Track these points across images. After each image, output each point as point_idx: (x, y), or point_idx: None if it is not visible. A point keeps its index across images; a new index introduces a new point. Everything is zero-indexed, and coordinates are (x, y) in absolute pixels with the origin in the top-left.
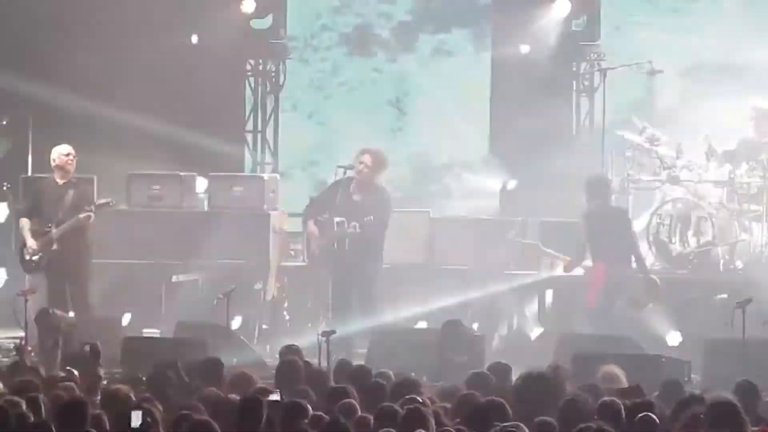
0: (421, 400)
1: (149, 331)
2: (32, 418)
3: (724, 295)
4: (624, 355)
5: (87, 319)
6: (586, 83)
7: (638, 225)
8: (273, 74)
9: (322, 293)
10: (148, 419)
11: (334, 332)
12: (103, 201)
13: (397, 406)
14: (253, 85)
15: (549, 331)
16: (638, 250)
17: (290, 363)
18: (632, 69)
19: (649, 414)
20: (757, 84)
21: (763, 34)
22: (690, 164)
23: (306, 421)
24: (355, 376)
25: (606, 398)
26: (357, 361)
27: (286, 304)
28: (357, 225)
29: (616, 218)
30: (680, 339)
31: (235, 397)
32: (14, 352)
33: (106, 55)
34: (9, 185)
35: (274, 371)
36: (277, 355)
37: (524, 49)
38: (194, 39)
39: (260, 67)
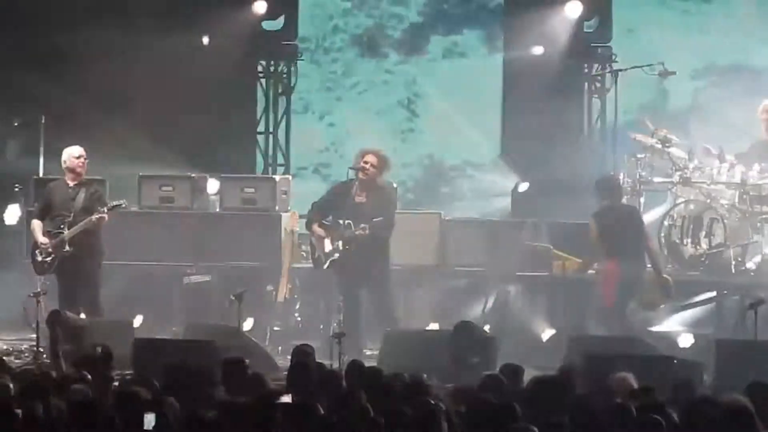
0: (432, 402)
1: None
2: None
3: (736, 297)
4: (635, 356)
5: (98, 320)
6: (598, 85)
7: (650, 226)
8: (284, 76)
9: (334, 295)
10: (162, 421)
11: (345, 334)
12: (115, 203)
13: (408, 408)
14: (264, 86)
15: (560, 333)
16: (651, 249)
17: (302, 365)
18: (644, 70)
19: (659, 416)
20: None
21: None
22: (702, 166)
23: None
24: (367, 378)
25: (617, 400)
26: (368, 363)
27: (297, 306)
28: (366, 227)
29: (627, 217)
30: (692, 340)
31: (247, 398)
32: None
33: (118, 56)
34: (20, 186)
35: (285, 373)
36: (289, 356)
37: (537, 50)
38: (205, 40)
39: (272, 69)
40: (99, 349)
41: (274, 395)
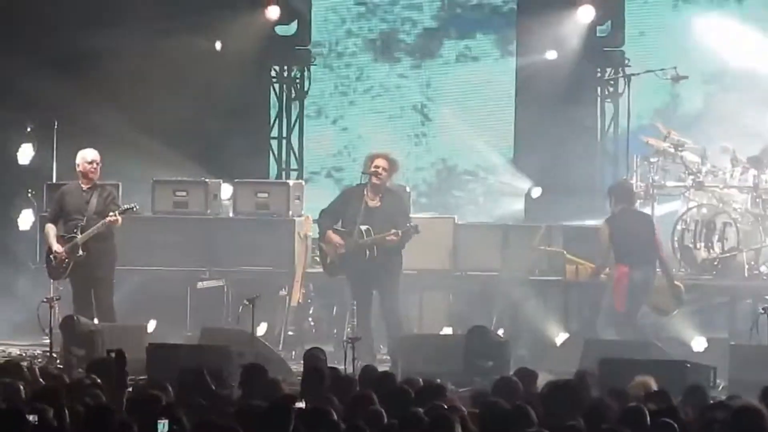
0: (446, 406)
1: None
2: (56, 425)
3: (749, 301)
4: (649, 360)
5: (112, 325)
6: (611, 89)
7: (663, 231)
8: (298, 80)
9: (347, 299)
10: (176, 427)
11: (359, 338)
12: (127, 206)
13: (422, 413)
14: (277, 91)
15: (574, 337)
16: (663, 255)
17: (316, 369)
18: (657, 75)
19: (672, 420)
20: None
21: None
22: (715, 170)
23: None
24: (381, 383)
25: (631, 404)
26: (382, 367)
27: (311, 311)
28: (399, 232)
29: (639, 223)
30: (705, 344)
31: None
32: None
33: (131, 61)
34: (33, 192)
35: (299, 377)
36: (302, 361)
37: (550, 54)
38: (218, 45)
39: (285, 74)
40: (113, 354)
41: (288, 400)
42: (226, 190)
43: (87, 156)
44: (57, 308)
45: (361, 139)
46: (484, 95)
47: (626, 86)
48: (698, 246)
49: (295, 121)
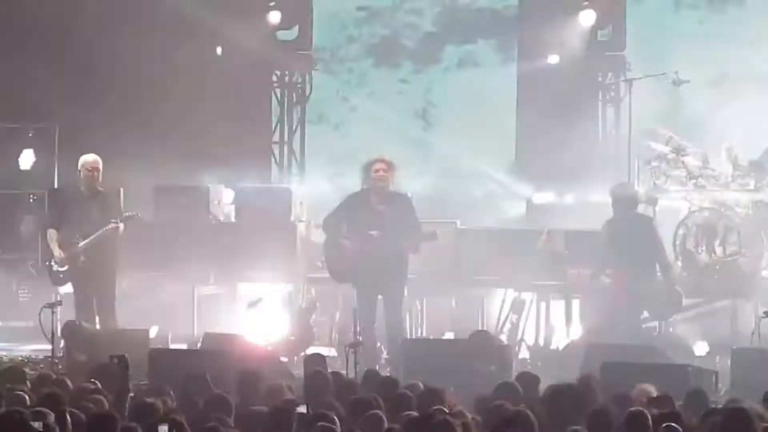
0: (448, 411)
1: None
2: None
3: (750, 305)
4: (651, 364)
5: (114, 331)
6: (612, 93)
7: (664, 235)
8: (299, 85)
9: (349, 304)
10: None
11: (360, 343)
12: (128, 214)
13: (424, 418)
14: (279, 96)
15: (577, 341)
16: (664, 259)
17: (319, 374)
18: (658, 79)
19: (675, 425)
20: None
21: None
22: (716, 174)
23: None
24: (383, 387)
25: (634, 408)
26: (384, 372)
27: (313, 315)
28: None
29: (640, 226)
30: (707, 349)
31: (264, 408)
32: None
33: (132, 66)
34: (35, 197)
35: (301, 382)
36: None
37: (552, 59)
38: (219, 51)
39: (286, 79)
40: (115, 360)
41: (290, 405)
42: (228, 195)
43: (88, 161)
44: (59, 313)
45: (363, 144)
46: (485, 100)
47: (627, 90)
48: (700, 250)
49: (297, 126)
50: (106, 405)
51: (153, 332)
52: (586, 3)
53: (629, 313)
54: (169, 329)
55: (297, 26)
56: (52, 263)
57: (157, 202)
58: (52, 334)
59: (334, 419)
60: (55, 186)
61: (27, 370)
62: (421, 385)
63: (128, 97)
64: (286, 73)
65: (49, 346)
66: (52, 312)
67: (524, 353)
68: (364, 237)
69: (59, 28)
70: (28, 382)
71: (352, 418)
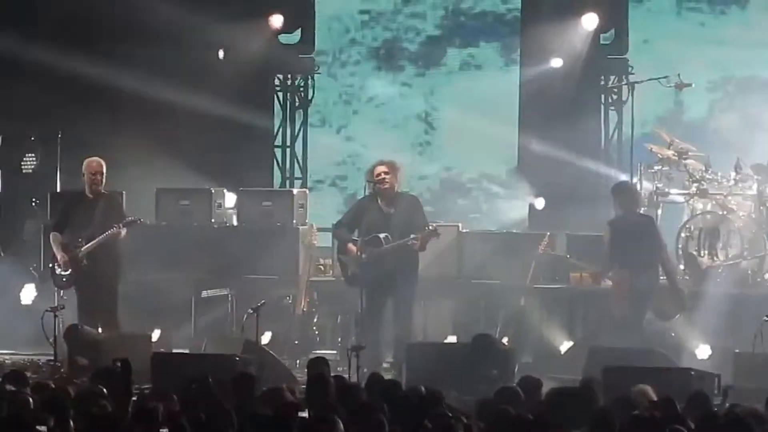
0: (450, 415)
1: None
2: None
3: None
4: (653, 368)
5: (116, 334)
6: (614, 97)
7: (667, 238)
8: (301, 89)
9: (352, 308)
10: None
11: (363, 347)
12: (131, 219)
13: (426, 421)
14: (281, 99)
15: (579, 345)
16: (666, 259)
17: (320, 378)
18: (660, 82)
19: (680, 427)
20: None
21: None
22: (719, 177)
23: None
24: (385, 391)
25: (636, 412)
26: (386, 375)
27: (315, 319)
28: (418, 237)
29: (642, 227)
30: (710, 352)
31: (266, 412)
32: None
33: (134, 70)
34: (37, 201)
35: (303, 386)
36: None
37: (555, 62)
38: (221, 54)
39: (289, 82)
40: (118, 363)
41: (292, 408)
42: (230, 199)
43: (92, 165)
44: (61, 317)
45: (365, 147)
46: (487, 103)
47: (630, 94)
48: (702, 253)
49: (299, 129)
50: (109, 409)
51: (155, 336)
52: (588, 7)
53: (633, 315)
54: (172, 333)
55: (299, 29)
56: (55, 266)
57: (159, 205)
58: (54, 338)
59: (336, 423)
60: (58, 190)
61: (29, 373)
62: (422, 389)
63: (130, 101)
64: (289, 76)
65: (51, 351)
66: (55, 316)
67: (526, 357)
68: (372, 239)
69: (62, 32)
70: (30, 386)
71: (354, 421)
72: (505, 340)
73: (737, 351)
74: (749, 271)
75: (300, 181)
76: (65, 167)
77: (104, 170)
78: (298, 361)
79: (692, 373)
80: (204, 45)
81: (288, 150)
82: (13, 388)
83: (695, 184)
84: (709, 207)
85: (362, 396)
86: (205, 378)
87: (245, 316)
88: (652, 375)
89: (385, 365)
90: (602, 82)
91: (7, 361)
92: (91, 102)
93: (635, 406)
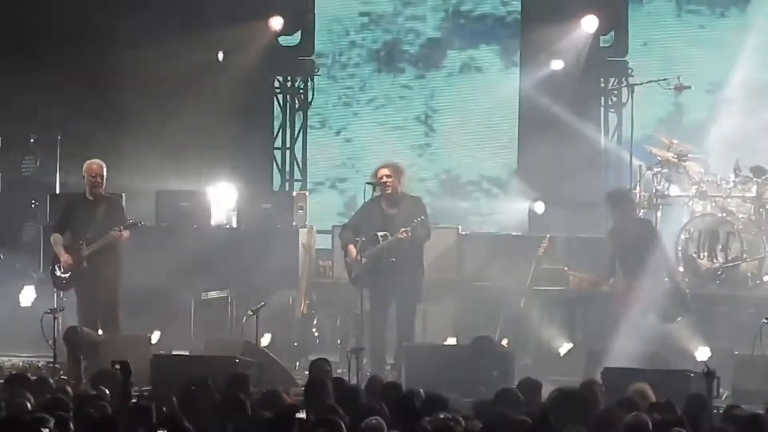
0: (450, 417)
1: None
2: None
3: (752, 311)
4: (652, 370)
5: (116, 336)
6: (614, 99)
7: (667, 240)
8: (301, 91)
9: (351, 310)
10: None
11: (363, 349)
12: (131, 221)
13: (426, 423)
14: (281, 101)
15: (579, 347)
16: (668, 261)
17: (319, 380)
18: (660, 84)
19: (681, 429)
20: None
21: None
22: (718, 179)
23: None
24: (385, 393)
25: (636, 414)
26: (387, 377)
27: (315, 321)
28: (408, 229)
29: (642, 231)
30: (709, 354)
31: (265, 414)
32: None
33: (135, 72)
34: (37, 203)
35: (303, 388)
36: (307, 371)
37: (555, 65)
38: (220, 56)
39: (288, 84)
40: (117, 366)
41: (291, 410)
42: (230, 201)
43: (92, 167)
44: (60, 319)
45: (365, 149)
46: (487, 105)
47: (629, 96)
48: (701, 256)
49: (299, 131)
50: (108, 411)
51: (155, 338)
52: (588, 9)
53: (635, 320)
54: (171, 335)
55: (299, 32)
56: (56, 268)
57: (159, 207)
58: (54, 340)
59: (336, 424)
60: (57, 192)
61: (29, 375)
62: (423, 392)
63: (130, 103)
64: (289, 78)
65: (51, 352)
66: (54, 318)
67: (526, 359)
68: (371, 239)
69: (62, 35)
70: (29, 388)
71: (354, 424)
72: (504, 342)
73: (737, 353)
74: (748, 273)
75: (300, 183)
76: (65, 169)
77: (104, 172)
78: (297, 363)
79: (691, 375)
80: (204, 47)
81: (288, 152)
82: (12, 391)
83: (695, 186)
84: (708, 209)
85: (362, 398)
86: (205, 380)
87: (245, 318)
88: (651, 377)
89: (387, 368)
90: (602, 85)
91: (6, 364)
92: (91, 104)
93: (635, 407)
